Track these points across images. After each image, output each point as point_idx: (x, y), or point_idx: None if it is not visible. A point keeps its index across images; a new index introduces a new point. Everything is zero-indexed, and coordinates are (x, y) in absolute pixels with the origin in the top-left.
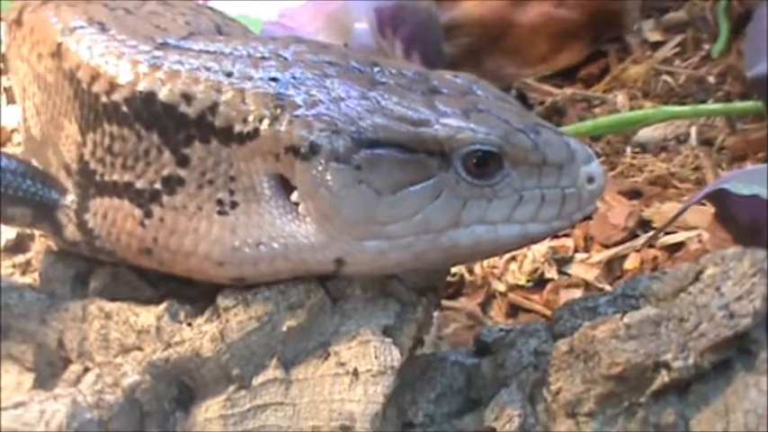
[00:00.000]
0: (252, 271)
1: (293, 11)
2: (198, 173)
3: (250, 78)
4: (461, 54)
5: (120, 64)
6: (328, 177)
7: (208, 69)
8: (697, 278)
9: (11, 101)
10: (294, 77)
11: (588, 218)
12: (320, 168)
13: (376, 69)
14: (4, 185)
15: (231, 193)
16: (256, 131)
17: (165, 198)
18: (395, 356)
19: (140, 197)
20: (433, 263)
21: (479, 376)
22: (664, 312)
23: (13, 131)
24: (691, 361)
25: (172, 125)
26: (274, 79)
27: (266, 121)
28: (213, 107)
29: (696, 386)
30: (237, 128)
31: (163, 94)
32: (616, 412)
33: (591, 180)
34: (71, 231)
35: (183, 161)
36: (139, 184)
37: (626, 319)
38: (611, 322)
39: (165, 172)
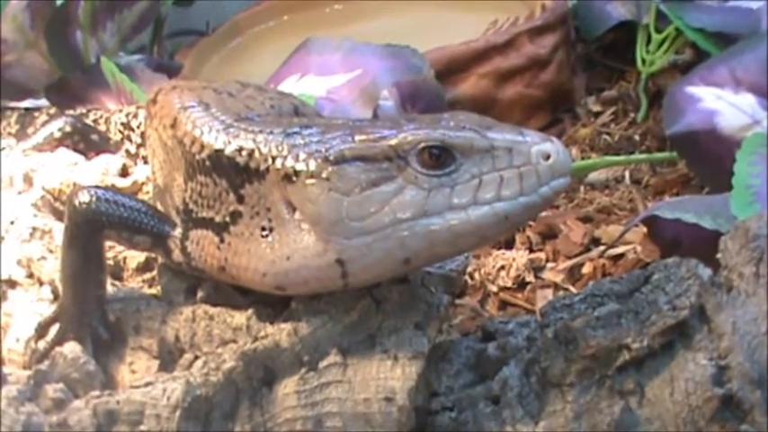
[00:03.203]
0: (286, 280)
1: (336, 88)
2: (249, 207)
3: (275, 134)
4: None
5: (208, 131)
6: (308, 192)
7: (256, 132)
8: (647, 281)
9: (145, 162)
10: (298, 132)
11: (554, 227)
12: (302, 187)
13: (366, 122)
14: (132, 220)
15: (269, 220)
16: (268, 169)
17: (231, 228)
18: (424, 345)
19: (217, 228)
20: (424, 252)
21: (486, 357)
22: (623, 307)
23: (143, 184)
24: (645, 343)
25: (233, 173)
26: (287, 134)
27: (275, 161)
28: (251, 154)
29: (649, 361)
30: (263, 168)
31: (228, 149)
32: (590, 382)
33: (546, 156)
34: (177, 255)
35: (240, 199)
36: (217, 218)
37: (596, 313)
38: (584, 315)
39: (231, 208)
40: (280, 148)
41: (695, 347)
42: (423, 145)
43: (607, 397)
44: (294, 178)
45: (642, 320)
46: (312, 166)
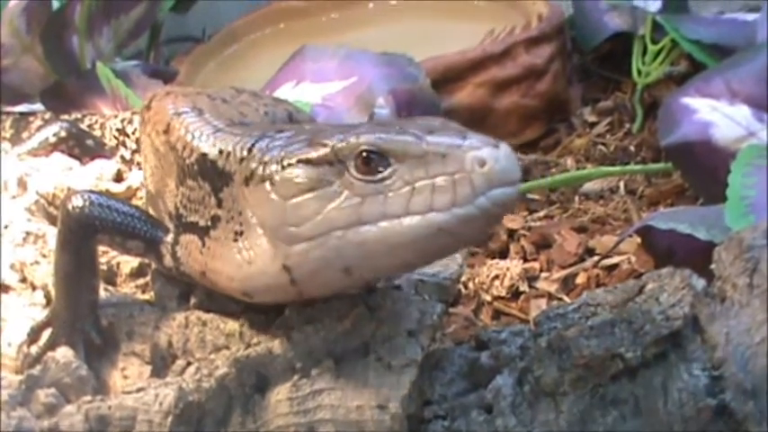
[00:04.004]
0: (250, 286)
1: (332, 95)
2: (226, 211)
3: (248, 138)
4: None
5: (198, 135)
6: (257, 195)
7: (235, 136)
8: (641, 291)
9: (139, 167)
10: (270, 137)
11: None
12: (254, 190)
13: (331, 127)
14: (125, 224)
15: (240, 224)
16: (235, 171)
17: (211, 232)
18: (418, 353)
19: (201, 232)
20: (362, 262)
21: (479, 366)
22: (617, 317)
23: (137, 189)
24: (638, 353)
25: (215, 176)
26: (258, 138)
27: (240, 164)
28: (227, 157)
29: (642, 371)
30: (233, 171)
31: (210, 153)
32: (583, 392)
33: (482, 163)
34: (168, 260)
35: (219, 203)
36: (201, 223)
37: (589, 323)
38: (578, 325)
39: (212, 212)
40: (245, 152)
41: (689, 358)
42: (359, 149)
43: (600, 407)
44: (249, 181)
45: (636, 330)
46: (262, 169)
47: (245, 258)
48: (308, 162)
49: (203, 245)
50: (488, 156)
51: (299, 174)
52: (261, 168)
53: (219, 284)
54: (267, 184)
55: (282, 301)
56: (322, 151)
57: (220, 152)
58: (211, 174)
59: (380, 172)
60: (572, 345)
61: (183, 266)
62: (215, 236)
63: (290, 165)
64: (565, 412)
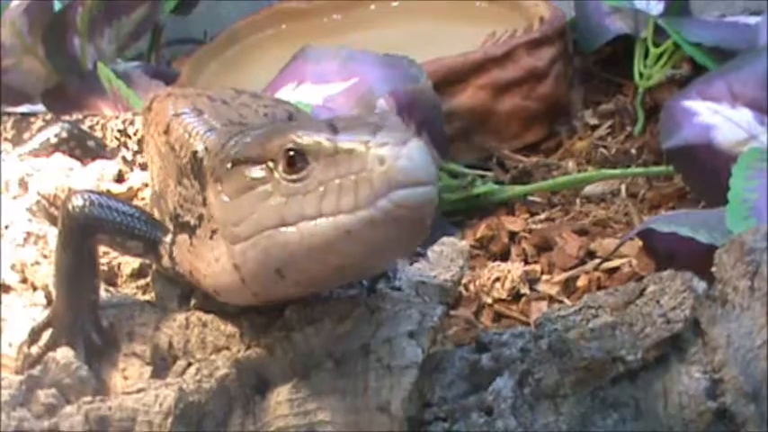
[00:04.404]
0: (217, 284)
1: (333, 96)
2: (208, 210)
3: (223, 136)
4: (458, 133)
5: (192, 135)
6: (210, 193)
7: (219, 134)
8: (641, 293)
9: (141, 168)
10: (242, 134)
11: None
12: (209, 187)
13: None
14: (125, 225)
15: (215, 222)
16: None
17: (197, 230)
18: (418, 355)
19: (190, 231)
20: (290, 265)
21: (480, 368)
22: (618, 319)
23: (138, 190)
24: (639, 355)
25: (201, 175)
26: (231, 136)
27: (209, 161)
28: (209, 155)
29: (643, 374)
30: (210, 168)
31: (199, 151)
32: (584, 394)
33: (381, 162)
34: (165, 260)
35: (204, 201)
36: (191, 222)
37: (590, 325)
38: (579, 327)
39: (199, 211)
40: (214, 150)
41: (689, 360)
42: (284, 148)
43: (600, 409)
44: (208, 178)
45: (636, 333)
46: (218, 168)
47: (214, 256)
48: (246, 161)
49: (191, 244)
50: (389, 154)
51: (238, 173)
52: (218, 167)
53: (199, 283)
54: (219, 184)
55: (245, 303)
56: (256, 151)
57: (206, 150)
58: (198, 172)
59: (301, 171)
60: (573, 347)
61: (177, 266)
62: (199, 234)
63: (232, 164)
64: (565, 415)
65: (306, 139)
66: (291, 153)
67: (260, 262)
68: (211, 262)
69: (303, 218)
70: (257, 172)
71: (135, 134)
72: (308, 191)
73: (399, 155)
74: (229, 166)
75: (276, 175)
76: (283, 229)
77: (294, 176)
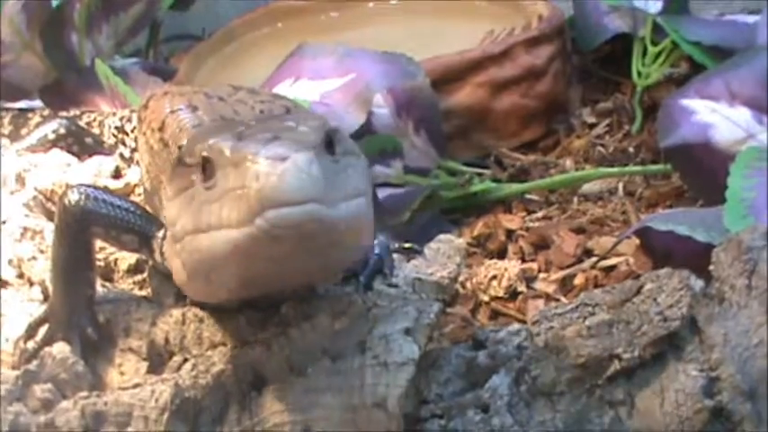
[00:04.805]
0: (176, 280)
1: (330, 92)
2: None
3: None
4: (455, 131)
5: (183, 131)
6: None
7: (199, 131)
8: (639, 291)
9: (136, 165)
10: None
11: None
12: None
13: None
14: (120, 219)
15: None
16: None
17: None
18: (415, 351)
19: None
20: (203, 272)
21: (476, 365)
22: (615, 317)
23: (135, 185)
24: (636, 353)
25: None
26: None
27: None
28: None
29: (639, 372)
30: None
31: (182, 147)
32: (580, 392)
33: (257, 178)
34: (157, 256)
35: None
36: None
37: (587, 323)
38: (575, 324)
39: None
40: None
41: (686, 359)
42: (201, 154)
43: (597, 407)
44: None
45: (633, 331)
46: (171, 166)
47: (175, 253)
48: (181, 164)
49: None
50: (264, 170)
51: (176, 174)
52: (171, 166)
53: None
54: (168, 182)
55: (208, 301)
56: (188, 154)
57: (185, 147)
58: (183, 168)
59: (211, 179)
60: (569, 345)
61: (165, 261)
62: None
63: (174, 165)
64: (561, 412)
65: (212, 145)
66: (205, 160)
67: (189, 264)
68: (174, 259)
69: (210, 226)
70: (186, 175)
71: (132, 131)
72: (214, 200)
73: (274, 172)
74: (174, 166)
75: (196, 179)
76: (200, 234)
77: (206, 183)
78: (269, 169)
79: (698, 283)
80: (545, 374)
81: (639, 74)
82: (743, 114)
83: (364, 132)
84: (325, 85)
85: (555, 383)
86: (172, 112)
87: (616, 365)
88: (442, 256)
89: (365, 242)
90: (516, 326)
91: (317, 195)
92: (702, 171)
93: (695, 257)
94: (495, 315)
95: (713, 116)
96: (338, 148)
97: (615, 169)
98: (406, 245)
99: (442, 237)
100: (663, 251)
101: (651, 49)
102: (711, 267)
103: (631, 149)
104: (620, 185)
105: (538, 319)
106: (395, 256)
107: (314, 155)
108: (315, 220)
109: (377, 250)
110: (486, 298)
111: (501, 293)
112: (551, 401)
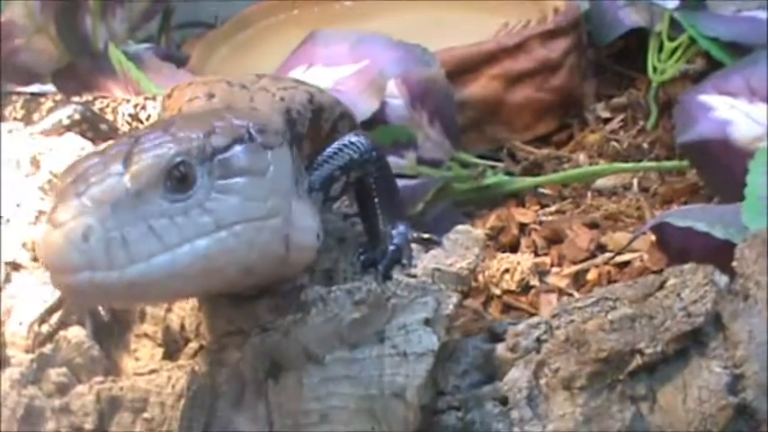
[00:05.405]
0: None
1: (343, 79)
2: None
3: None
4: (469, 123)
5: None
6: None
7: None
8: (662, 286)
9: None
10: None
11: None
12: None
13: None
14: None
15: None
16: None
17: None
18: (434, 342)
19: None
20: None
21: (494, 357)
22: (638, 312)
23: None
24: (659, 348)
25: None
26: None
27: None
28: None
29: (662, 367)
30: None
31: None
32: (601, 386)
33: (41, 241)
34: None
35: None
36: None
37: (609, 317)
38: (597, 318)
39: None
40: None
41: (710, 355)
42: None
43: (618, 402)
44: None
45: (656, 326)
46: None
47: None
48: None
49: None
50: (42, 236)
51: None
52: None
53: None
54: None
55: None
56: None
57: None
58: None
59: None
60: (591, 339)
61: None
62: None
63: None
64: (582, 406)
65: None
66: None
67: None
68: None
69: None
70: None
71: (147, 119)
72: None
73: (46, 239)
74: None
75: None
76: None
77: None
78: (43, 237)
79: (722, 279)
80: (566, 368)
81: (655, 69)
82: (762, 111)
83: (377, 122)
84: (338, 71)
85: (575, 377)
86: (189, 100)
87: (638, 360)
88: (460, 247)
89: (205, 285)
90: (536, 318)
91: (87, 264)
92: (720, 167)
93: (712, 254)
94: (506, 308)
95: (732, 112)
96: (199, 180)
97: (630, 165)
98: (425, 235)
99: (460, 227)
100: (679, 248)
101: (667, 45)
102: (735, 264)
103: (645, 145)
104: (635, 181)
105: (557, 312)
106: (413, 246)
107: (97, 219)
108: (91, 287)
109: (396, 240)
110: (498, 291)
111: (513, 287)
112: (572, 395)
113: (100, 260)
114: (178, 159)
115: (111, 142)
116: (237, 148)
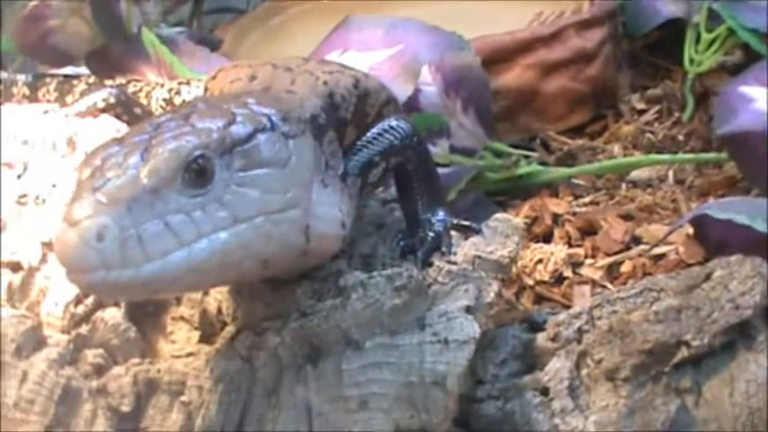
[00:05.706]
0: None
1: (378, 64)
2: None
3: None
4: (502, 113)
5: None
6: None
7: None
8: (708, 278)
9: None
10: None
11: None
12: None
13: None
14: None
15: None
16: None
17: None
18: (475, 330)
19: None
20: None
21: (535, 347)
22: (683, 303)
23: None
24: (705, 341)
25: None
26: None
27: None
28: None
29: (708, 360)
30: None
31: None
32: (645, 378)
33: (55, 239)
34: None
35: None
36: None
37: (654, 308)
38: (641, 309)
39: None
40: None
41: (757, 348)
42: None
43: (663, 394)
44: None
45: (703, 318)
46: None
47: None
48: None
49: None
50: (55, 235)
51: None
52: None
53: None
54: None
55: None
56: None
57: None
58: None
59: None
60: (636, 329)
61: None
62: None
63: None
64: (625, 398)
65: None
66: None
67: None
68: None
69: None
70: None
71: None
72: None
73: (60, 239)
74: None
75: None
76: None
77: None
78: (59, 234)
79: None
80: (609, 359)
81: (692, 61)
82: None
83: (411, 109)
84: (373, 56)
85: (619, 368)
86: (231, 82)
87: (684, 352)
88: (500, 235)
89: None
90: (577, 308)
91: (102, 264)
92: (760, 160)
93: (752, 248)
94: (539, 299)
95: None
96: (218, 173)
97: (667, 156)
98: (464, 222)
99: (499, 215)
100: (717, 240)
101: (705, 36)
102: None
103: (681, 137)
104: (671, 173)
105: (599, 302)
106: (452, 233)
107: (112, 218)
108: (106, 285)
109: (435, 227)
110: (530, 282)
111: (546, 278)
112: (615, 387)
113: (114, 259)
114: (197, 153)
115: (133, 128)
116: (258, 139)
